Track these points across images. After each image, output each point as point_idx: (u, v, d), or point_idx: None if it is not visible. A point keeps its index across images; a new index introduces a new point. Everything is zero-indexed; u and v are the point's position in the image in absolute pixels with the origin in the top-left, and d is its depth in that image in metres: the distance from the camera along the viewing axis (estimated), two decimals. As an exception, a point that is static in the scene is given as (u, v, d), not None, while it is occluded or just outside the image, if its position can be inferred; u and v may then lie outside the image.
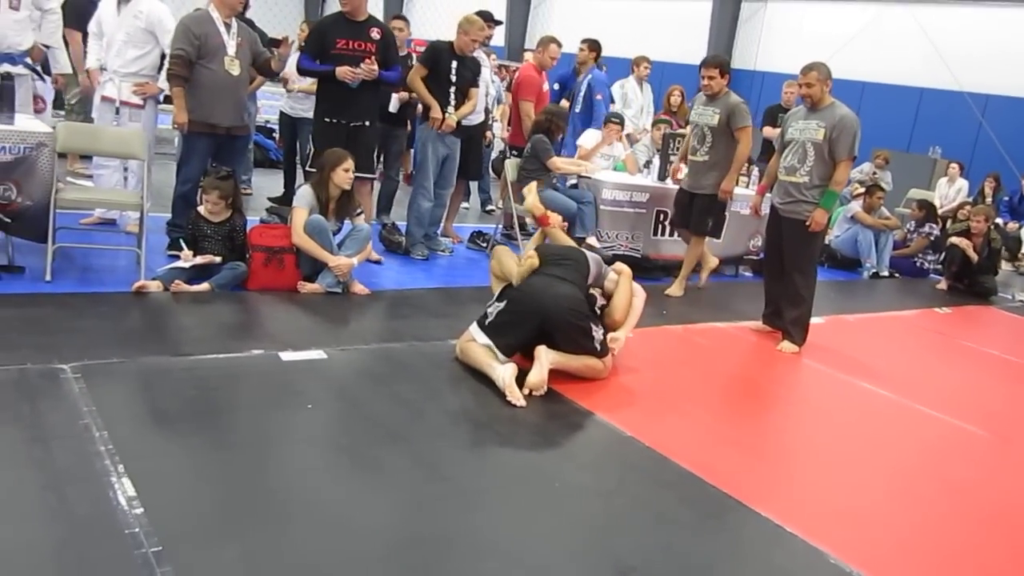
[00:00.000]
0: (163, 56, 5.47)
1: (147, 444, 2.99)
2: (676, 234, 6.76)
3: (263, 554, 2.43)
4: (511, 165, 6.85)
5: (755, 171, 7.68)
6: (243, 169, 6.88)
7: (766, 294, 5.66)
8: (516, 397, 3.75)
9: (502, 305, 4.11)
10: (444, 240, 6.79)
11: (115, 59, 5.43)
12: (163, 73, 5.49)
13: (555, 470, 3.29)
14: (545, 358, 3.93)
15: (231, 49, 5.27)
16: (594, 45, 8.06)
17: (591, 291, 4.39)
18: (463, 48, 6.13)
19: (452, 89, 6.13)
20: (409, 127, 7.14)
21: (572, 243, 5.00)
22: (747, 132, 6.00)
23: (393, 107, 6.32)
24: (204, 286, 4.69)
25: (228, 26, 5.28)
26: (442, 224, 7.05)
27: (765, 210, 5.81)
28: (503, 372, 3.86)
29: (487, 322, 4.08)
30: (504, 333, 4.01)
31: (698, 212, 6.17)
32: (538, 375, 3.86)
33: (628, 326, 4.45)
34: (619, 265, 4.63)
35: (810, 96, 5.20)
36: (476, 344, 4.07)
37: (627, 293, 4.45)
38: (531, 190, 5.28)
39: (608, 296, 4.48)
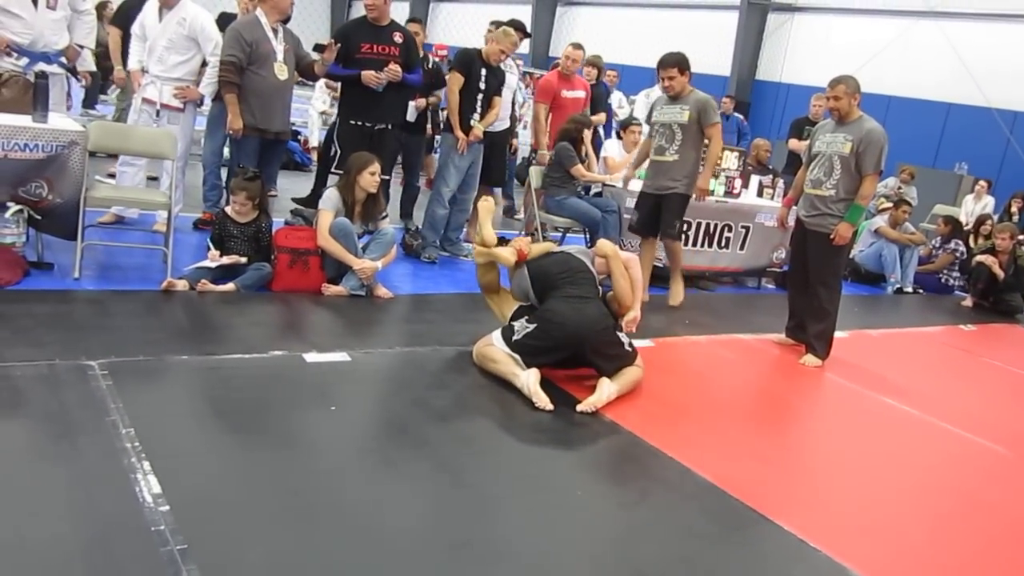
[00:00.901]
0: (203, 63, 5.56)
1: (173, 442, 3.01)
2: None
3: (288, 554, 2.44)
4: (535, 172, 6.85)
5: (780, 183, 7.65)
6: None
7: (790, 307, 5.63)
8: (543, 401, 3.76)
9: (531, 328, 4.05)
10: (466, 245, 6.80)
11: (157, 64, 5.48)
12: (204, 78, 5.57)
13: (577, 479, 3.29)
14: (607, 392, 3.96)
15: (280, 54, 5.36)
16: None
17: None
18: (492, 57, 6.18)
19: (480, 97, 6.17)
20: (429, 132, 7.19)
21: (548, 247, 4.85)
22: (718, 129, 5.87)
23: (411, 116, 6.33)
24: (229, 286, 4.73)
25: (276, 31, 5.35)
26: (465, 229, 7.07)
27: (790, 222, 5.77)
28: (527, 378, 3.86)
29: (513, 339, 4.05)
30: (535, 355, 4.00)
31: (667, 213, 5.92)
32: (596, 400, 3.89)
33: (637, 301, 4.47)
34: (601, 247, 4.54)
35: (838, 109, 5.18)
36: (497, 350, 4.08)
37: (623, 274, 4.40)
38: (487, 219, 4.74)
39: (600, 268, 4.49)
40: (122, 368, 3.51)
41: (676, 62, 5.80)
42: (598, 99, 8.56)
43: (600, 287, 4.43)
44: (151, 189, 5.55)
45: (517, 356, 4.00)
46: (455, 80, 6.09)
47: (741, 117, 11.00)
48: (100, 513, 2.49)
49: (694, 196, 5.95)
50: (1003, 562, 3.17)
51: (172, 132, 5.22)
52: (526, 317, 4.17)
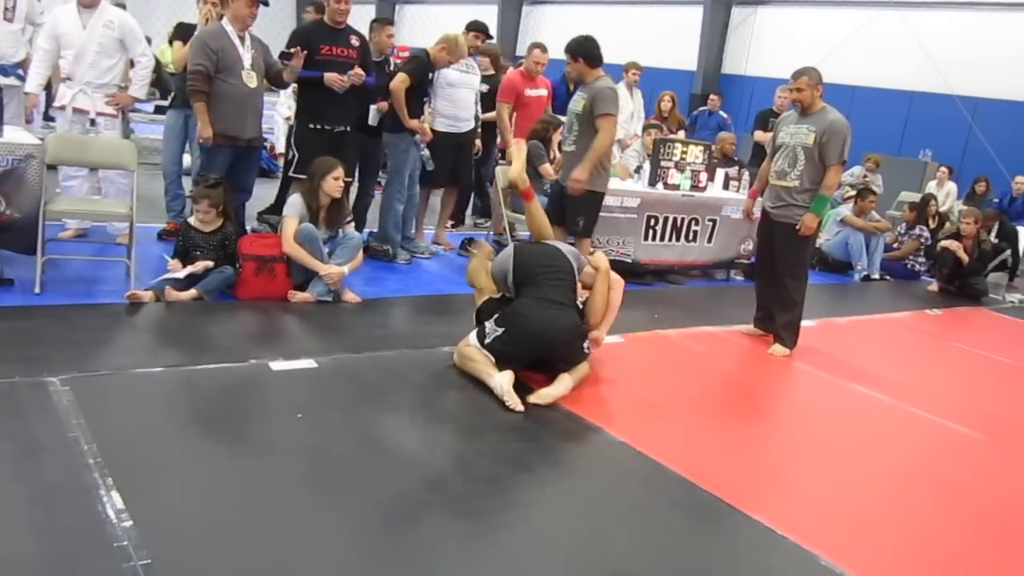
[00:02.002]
0: (130, 64, 5.53)
1: (136, 456, 2.97)
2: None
3: (253, 566, 2.42)
4: (502, 172, 6.85)
5: (746, 175, 7.70)
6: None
7: (758, 298, 5.67)
8: (515, 403, 3.75)
9: (500, 332, 4.02)
10: (422, 244, 6.79)
11: (89, 70, 5.39)
12: (136, 82, 5.50)
13: (548, 476, 3.29)
14: (565, 386, 3.98)
15: (247, 62, 5.31)
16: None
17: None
18: (439, 64, 6.19)
19: (425, 100, 6.22)
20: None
21: (548, 227, 4.77)
22: (609, 120, 5.43)
23: (373, 120, 6.27)
24: (192, 292, 4.67)
25: (243, 39, 5.31)
26: (434, 231, 7.06)
27: (756, 214, 5.81)
28: (501, 379, 3.85)
29: (485, 342, 4.04)
30: (505, 359, 3.98)
31: (569, 209, 5.64)
32: (554, 395, 3.91)
33: (607, 324, 4.47)
34: (596, 259, 4.53)
35: (801, 101, 5.22)
36: (474, 349, 4.07)
37: (604, 294, 4.40)
38: (519, 157, 4.93)
39: (586, 287, 4.47)
40: (84, 383, 3.46)
41: (572, 49, 5.56)
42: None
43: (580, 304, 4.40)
44: (113, 200, 5.47)
45: (492, 357, 4.00)
46: (403, 80, 6.03)
47: (725, 115, 11.04)
48: (62, 531, 2.45)
49: (568, 187, 5.53)
50: (974, 544, 3.21)
51: (132, 144, 5.17)
52: (496, 317, 4.12)
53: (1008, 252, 8.89)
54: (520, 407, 3.75)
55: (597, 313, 4.39)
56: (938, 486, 3.70)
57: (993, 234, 9.08)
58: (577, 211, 5.62)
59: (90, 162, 5.21)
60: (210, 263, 4.82)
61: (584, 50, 5.52)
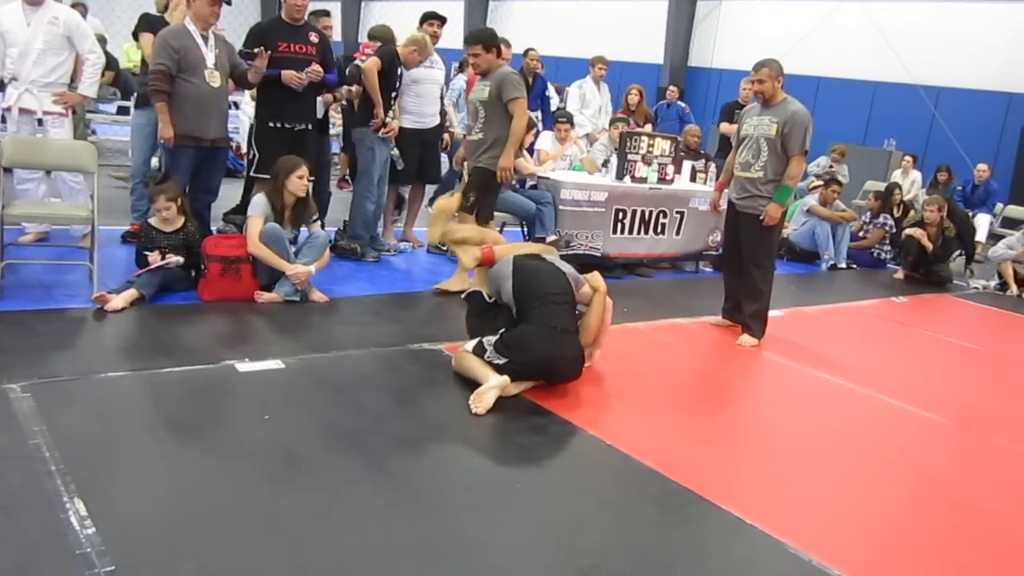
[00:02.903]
0: (78, 61, 5.44)
1: (100, 462, 2.94)
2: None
3: (219, 570, 2.40)
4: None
5: (712, 167, 7.74)
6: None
7: (725, 289, 5.71)
8: (481, 405, 3.69)
9: (504, 362, 3.90)
10: (388, 241, 6.76)
11: (34, 69, 5.30)
12: (86, 80, 5.42)
13: (516, 472, 3.29)
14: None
15: (210, 61, 5.23)
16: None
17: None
18: (411, 64, 6.18)
19: (393, 95, 6.18)
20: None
21: (525, 248, 4.76)
22: (520, 104, 5.48)
23: (320, 111, 6.20)
24: (132, 292, 4.55)
25: (206, 39, 5.24)
26: (402, 229, 7.04)
27: (723, 206, 5.84)
28: (494, 380, 3.78)
29: (486, 359, 3.95)
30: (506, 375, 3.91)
31: (466, 185, 5.72)
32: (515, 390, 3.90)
33: (599, 344, 4.43)
34: (595, 280, 4.39)
35: (762, 92, 5.26)
36: (473, 356, 3.99)
37: (600, 315, 4.33)
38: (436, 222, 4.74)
39: (583, 298, 4.39)
40: (46, 389, 3.41)
41: (478, 39, 5.60)
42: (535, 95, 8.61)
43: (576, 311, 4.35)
44: (73, 203, 5.39)
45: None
46: (376, 63, 5.99)
47: (683, 105, 11.10)
48: (23, 539, 2.42)
49: (497, 175, 5.61)
50: (941, 529, 3.24)
51: (92, 146, 5.09)
52: (495, 343, 3.98)
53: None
54: (481, 411, 3.67)
55: (591, 333, 4.33)
56: (906, 472, 3.74)
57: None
58: (471, 186, 5.66)
59: (47, 164, 5.13)
60: (179, 259, 4.77)
61: (487, 39, 5.60)
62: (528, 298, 4.09)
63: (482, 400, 3.70)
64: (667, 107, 11.02)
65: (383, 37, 6.40)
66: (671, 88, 11.43)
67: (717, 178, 6.83)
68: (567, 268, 4.39)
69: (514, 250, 4.53)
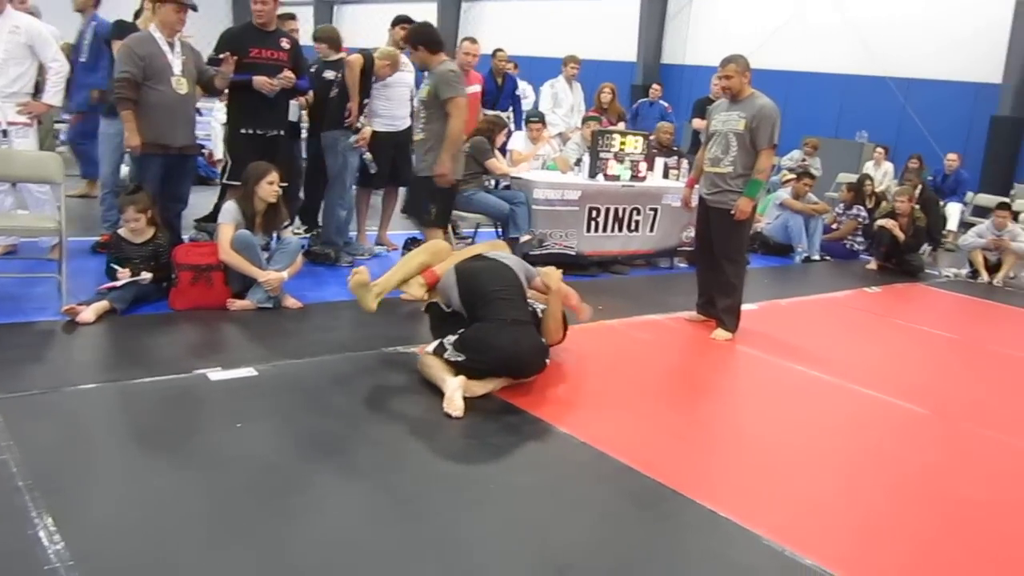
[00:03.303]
0: (40, 70, 5.40)
1: (70, 476, 2.91)
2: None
3: (190, 579, 2.38)
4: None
5: (685, 164, 7.78)
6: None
7: (699, 284, 5.74)
8: (454, 408, 3.68)
9: (463, 359, 3.90)
10: (362, 245, 6.75)
11: None
12: (50, 89, 5.36)
13: (491, 473, 3.29)
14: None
15: (177, 68, 5.20)
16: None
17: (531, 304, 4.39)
18: (381, 76, 6.19)
19: (365, 101, 6.18)
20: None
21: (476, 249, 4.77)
22: (456, 104, 5.27)
23: (293, 115, 6.15)
24: (104, 304, 4.50)
25: (172, 45, 5.21)
26: (377, 232, 7.02)
27: (695, 202, 5.85)
28: (453, 384, 3.79)
29: (445, 357, 3.96)
30: (469, 377, 3.89)
31: (420, 196, 5.57)
32: (482, 390, 3.90)
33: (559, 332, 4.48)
34: (548, 276, 4.39)
35: (730, 88, 5.29)
36: (434, 358, 4.01)
37: (557, 317, 4.34)
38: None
39: (538, 289, 4.42)
40: (14, 404, 3.37)
41: (411, 38, 5.50)
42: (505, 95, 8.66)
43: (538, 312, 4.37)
44: (41, 215, 5.34)
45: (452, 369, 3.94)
46: (358, 59, 5.99)
47: (667, 105, 11.14)
48: (-10, 556, 2.39)
49: (436, 182, 5.43)
50: (915, 517, 3.27)
51: (58, 156, 5.04)
52: (455, 342, 3.98)
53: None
54: (458, 414, 3.67)
55: (552, 333, 4.34)
56: (881, 462, 3.78)
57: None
58: (429, 199, 5.50)
59: (13, 176, 5.07)
60: (148, 275, 4.74)
61: (423, 37, 5.46)
62: (475, 300, 4.11)
63: (453, 404, 3.70)
64: (650, 106, 11.04)
65: (329, 39, 6.37)
66: (654, 87, 11.46)
67: (688, 174, 6.85)
68: (513, 261, 4.44)
69: (456, 259, 4.50)
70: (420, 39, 5.43)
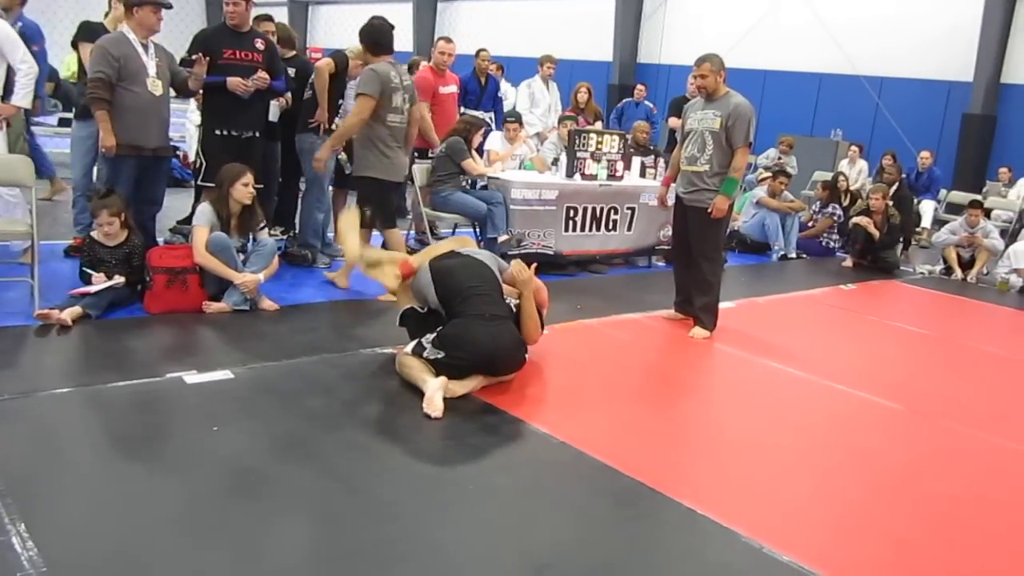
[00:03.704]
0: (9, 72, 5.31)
1: (43, 482, 2.87)
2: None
3: (166, 585, 2.36)
4: (420, 170, 6.81)
5: (661, 163, 7.80)
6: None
7: (676, 283, 5.76)
8: (434, 409, 3.67)
9: (441, 356, 3.91)
10: (339, 246, 6.70)
11: None
12: (19, 91, 5.30)
13: (470, 473, 3.28)
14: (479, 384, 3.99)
15: (152, 70, 5.15)
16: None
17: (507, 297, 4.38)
18: (354, 75, 6.05)
19: (340, 103, 6.14)
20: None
21: (453, 244, 4.75)
22: (359, 100, 5.30)
23: (273, 115, 6.09)
24: (76, 309, 4.44)
25: (146, 47, 5.16)
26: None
27: (671, 201, 5.84)
28: (434, 384, 3.78)
29: (424, 356, 3.96)
30: (449, 375, 3.89)
31: (359, 199, 5.61)
32: (462, 390, 3.90)
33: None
34: (520, 275, 4.33)
35: (705, 87, 5.31)
36: (412, 358, 3.99)
37: (533, 317, 4.32)
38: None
39: (507, 282, 4.38)
40: (-15, 409, 3.33)
41: (360, 30, 5.48)
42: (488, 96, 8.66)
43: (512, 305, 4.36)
44: (11, 218, 5.26)
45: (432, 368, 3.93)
46: (328, 64, 5.96)
47: (651, 105, 11.16)
48: (-39, 565, 2.36)
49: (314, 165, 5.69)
50: (894, 513, 3.29)
51: (29, 159, 4.98)
52: (433, 339, 3.98)
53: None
54: (437, 415, 3.66)
55: (530, 332, 4.31)
56: (858, 458, 3.80)
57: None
58: (362, 201, 5.54)
59: (-17, 179, 5.00)
60: (121, 279, 4.69)
61: (366, 37, 5.46)
62: (452, 298, 4.11)
63: (433, 404, 3.69)
64: (635, 106, 11.06)
65: (280, 38, 6.33)
66: (639, 87, 11.48)
67: (665, 173, 6.87)
68: (485, 256, 4.46)
69: (429, 255, 4.51)
70: (364, 38, 5.44)
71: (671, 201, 5.78)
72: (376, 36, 5.43)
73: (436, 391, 3.74)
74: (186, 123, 10.48)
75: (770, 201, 8.86)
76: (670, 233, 7.22)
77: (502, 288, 4.32)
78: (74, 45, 6.24)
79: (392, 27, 5.51)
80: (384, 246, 5.69)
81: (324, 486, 3.01)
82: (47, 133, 9.65)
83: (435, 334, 4.02)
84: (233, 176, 4.92)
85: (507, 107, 9.85)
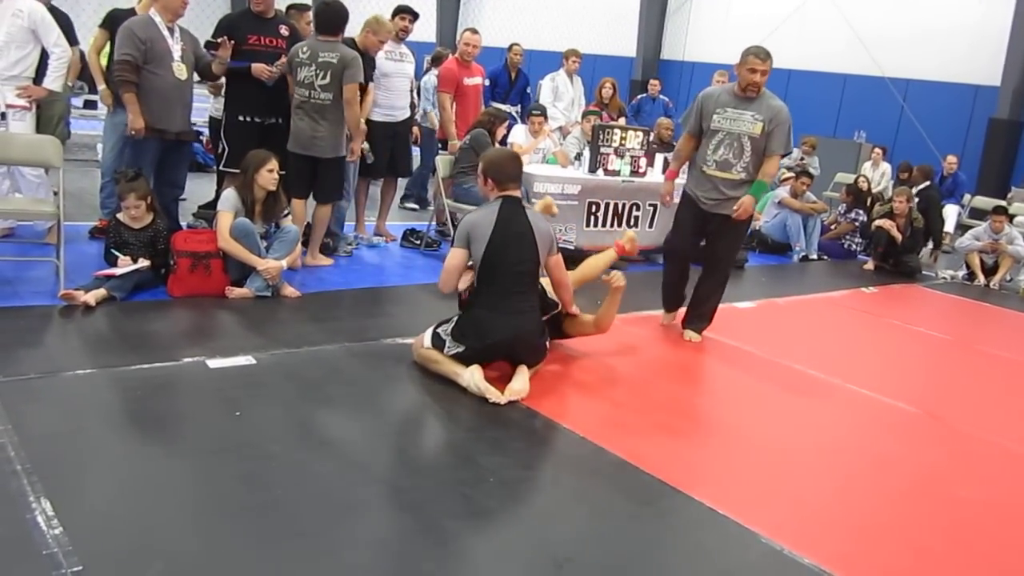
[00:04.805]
0: (43, 55, 5.34)
1: (67, 461, 2.89)
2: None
3: (188, 569, 2.37)
4: (443, 161, 6.82)
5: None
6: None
7: (667, 286, 5.55)
8: (495, 395, 3.71)
9: (461, 349, 3.91)
10: (361, 236, 6.73)
11: None
12: (51, 74, 5.33)
13: (489, 465, 3.27)
14: (526, 372, 3.99)
15: (176, 53, 5.19)
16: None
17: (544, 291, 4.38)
18: (368, 47, 6.00)
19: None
20: None
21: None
22: (347, 88, 5.38)
23: None
24: (101, 292, 4.47)
25: (172, 31, 5.19)
26: (375, 223, 7.00)
27: (676, 199, 5.43)
28: (471, 376, 3.80)
29: (444, 351, 3.96)
30: (467, 362, 3.91)
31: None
32: (523, 383, 3.89)
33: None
34: (557, 268, 4.31)
35: (760, 85, 4.88)
36: (435, 352, 4.00)
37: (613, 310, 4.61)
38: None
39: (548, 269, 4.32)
40: (11, 388, 3.35)
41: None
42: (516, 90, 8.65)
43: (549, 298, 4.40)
44: (38, 199, 5.30)
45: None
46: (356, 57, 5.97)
47: (667, 100, 11.14)
48: (-12, 541, 2.38)
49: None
50: (911, 516, 3.27)
51: (57, 140, 5.01)
52: (452, 330, 3.98)
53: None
54: (502, 400, 3.71)
55: (602, 322, 4.60)
56: (877, 461, 3.78)
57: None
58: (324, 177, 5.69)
59: (11, 159, 5.04)
60: (147, 262, 4.72)
61: (316, 19, 5.50)
62: (491, 265, 3.97)
63: (490, 391, 3.74)
64: (652, 101, 11.03)
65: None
66: (652, 82, 11.44)
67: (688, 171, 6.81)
68: (542, 228, 4.12)
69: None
70: (315, 20, 5.51)
71: (676, 199, 5.39)
72: (332, 18, 5.46)
73: (480, 381, 3.77)
74: (207, 108, 10.51)
75: (792, 201, 8.81)
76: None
77: (538, 273, 4.19)
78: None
79: (338, 9, 5.49)
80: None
81: (344, 476, 3.02)
82: (73, 115, 9.70)
83: (453, 324, 4.02)
84: (258, 162, 4.94)
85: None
